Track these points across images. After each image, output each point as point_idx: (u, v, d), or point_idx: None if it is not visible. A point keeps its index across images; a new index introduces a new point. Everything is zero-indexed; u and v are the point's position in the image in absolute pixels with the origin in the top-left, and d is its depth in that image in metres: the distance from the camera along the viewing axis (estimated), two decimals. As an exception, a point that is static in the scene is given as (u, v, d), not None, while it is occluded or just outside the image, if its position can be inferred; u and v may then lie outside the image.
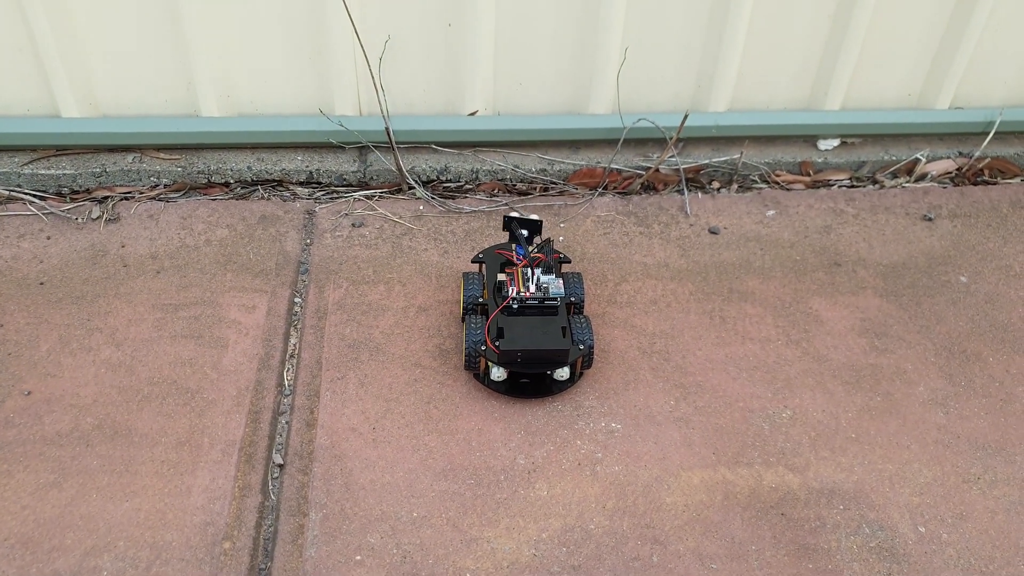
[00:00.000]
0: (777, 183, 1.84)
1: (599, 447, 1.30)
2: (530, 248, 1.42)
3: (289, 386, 1.35)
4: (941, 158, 1.89)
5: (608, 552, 1.16)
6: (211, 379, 1.35)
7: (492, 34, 1.65)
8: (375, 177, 1.74)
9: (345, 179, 1.73)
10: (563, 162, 1.77)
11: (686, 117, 1.70)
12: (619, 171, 1.79)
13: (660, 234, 1.70)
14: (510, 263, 1.41)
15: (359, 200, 1.71)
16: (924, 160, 1.88)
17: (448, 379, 1.38)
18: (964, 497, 1.25)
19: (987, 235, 1.75)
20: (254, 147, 1.73)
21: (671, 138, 1.74)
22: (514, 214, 1.44)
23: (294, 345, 1.42)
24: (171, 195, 1.70)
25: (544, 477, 1.25)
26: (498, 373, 1.32)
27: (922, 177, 1.88)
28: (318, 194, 1.72)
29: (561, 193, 1.76)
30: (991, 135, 1.89)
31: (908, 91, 1.89)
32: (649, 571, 1.15)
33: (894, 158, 1.88)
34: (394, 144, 1.65)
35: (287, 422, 1.30)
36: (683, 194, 1.79)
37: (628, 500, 1.23)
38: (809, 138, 1.88)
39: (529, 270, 1.38)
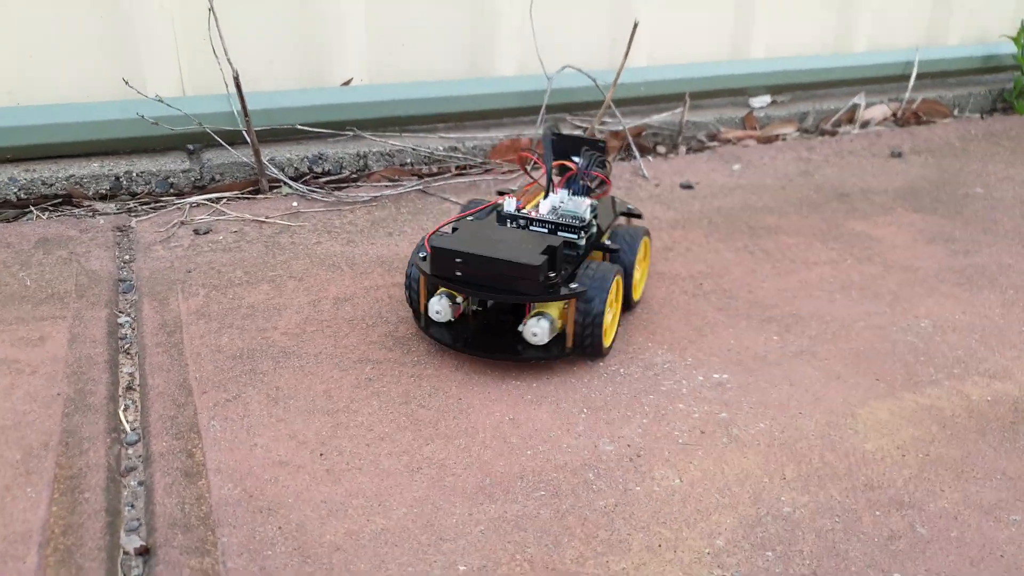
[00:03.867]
0: (728, 140, 1.51)
1: (718, 405, 0.76)
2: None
3: (134, 430, 0.70)
4: (874, 104, 1.69)
5: (843, 539, 0.61)
6: (-39, 452, 0.66)
7: (358, -28, 1.24)
8: (218, 176, 1.17)
9: (172, 183, 1.15)
10: (475, 137, 1.32)
11: (624, 64, 1.34)
12: (549, 140, 1.37)
13: (628, 196, 1.27)
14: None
15: (200, 206, 1.13)
16: (863, 105, 1.65)
17: (427, 368, 0.80)
18: None
19: (963, 162, 1.52)
20: (18, 156, 1.11)
21: (608, 89, 1.37)
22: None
23: (131, 373, 0.77)
24: None
25: (661, 461, 0.69)
26: (438, 305, 0.78)
27: (865, 124, 1.65)
28: (132, 205, 1.12)
29: (486, 172, 1.29)
30: (914, 76, 1.72)
31: (824, 38, 1.70)
32: (929, 550, 0.60)
33: (832, 108, 1.64)
34: (250, 126, 1.11)
35: (141, 482, 0.64)
36: (635, 158, 1.39)
37: (813, 461, 0.69)
38: (739, 93, 1.60)
39: (554, 191, 0.88)
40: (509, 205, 0.84)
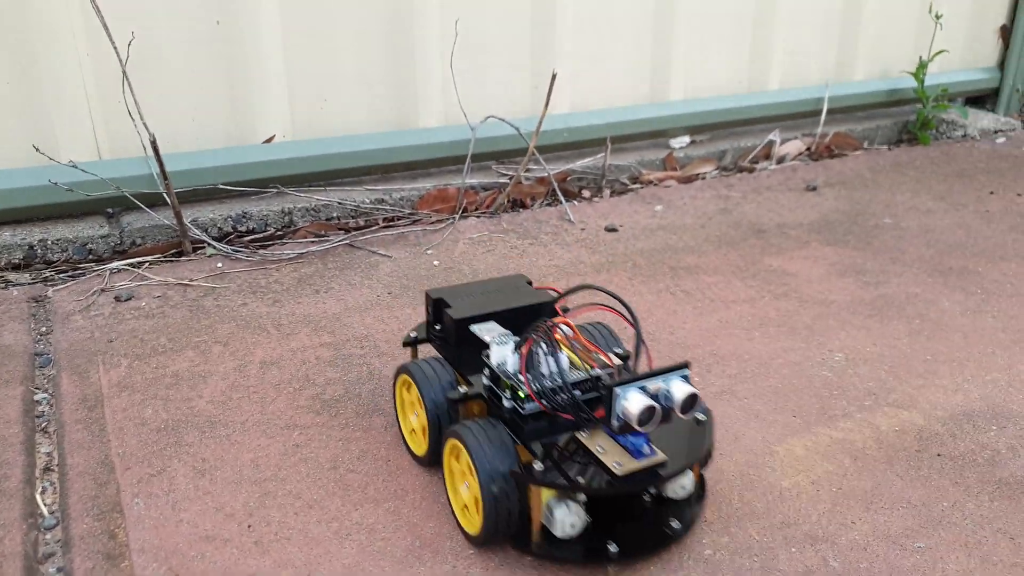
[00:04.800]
0: (650, 182, 1.56)
1: (641, 449, 0.78)
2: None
3: (53, 513, 0.68)
4: (789, 139, 1.76)
5: (762, 579, 0.63)
6: None
7: (278, 34, 1.24)
8: (139, 240, 1.16)
9: (91, 249, 1.13)
10: (402, 189, 1.34)
11: (544, 113, 1.38)
12: (475, 189, 1.39)
13: (554, 241, 1.30)
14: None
15: (121, 272, 1.11)
16: (779, 141, 1.72)
17: (355, 431, 0.80)
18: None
19: (873, 193, 1.59)
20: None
21: (532, 137, 1.40)
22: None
23: (49, 453, 0.76)
24: None
25: (586, 510, 0.70)
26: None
27: (781, 159, 1.72)
28: (48, 274, 1.10)
29: (414, 222, 1.31)
30: (824, 111, 1.80)
31: (739, 78, 1.77)
32: (842, 585, 0.63)
33: (749, 145, 1.71)
34: (170, 188, 1.11)
35: (60, 568, 0.63)
36: (561, 203, 1.43)
37: (733, 501, 0.72)
38: (659, 134, 1.65)
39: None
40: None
